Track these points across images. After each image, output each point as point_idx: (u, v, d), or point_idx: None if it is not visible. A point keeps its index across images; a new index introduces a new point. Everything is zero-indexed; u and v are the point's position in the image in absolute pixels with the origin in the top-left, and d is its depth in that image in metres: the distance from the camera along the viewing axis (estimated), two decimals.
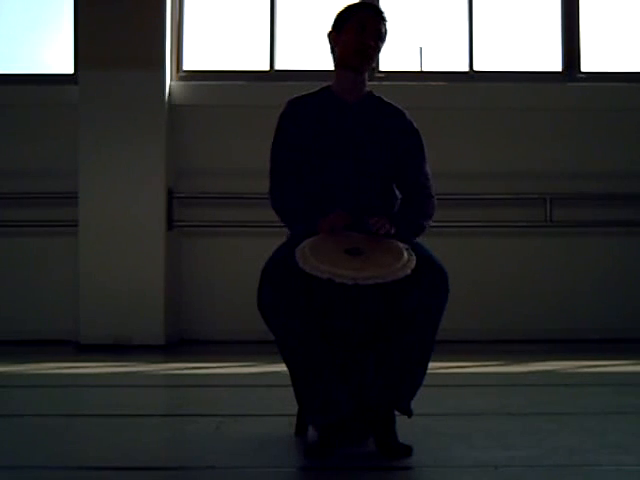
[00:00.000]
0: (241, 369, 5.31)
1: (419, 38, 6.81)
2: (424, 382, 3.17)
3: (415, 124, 3.44)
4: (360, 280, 2.94)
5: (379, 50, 3.37)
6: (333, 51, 3.41)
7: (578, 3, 6.54)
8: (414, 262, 3.02)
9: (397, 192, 3.42)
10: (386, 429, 3.11)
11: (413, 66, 6.78)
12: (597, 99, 6.45)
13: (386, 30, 3.36)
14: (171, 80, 6.37)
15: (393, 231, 3.15)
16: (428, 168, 3.42)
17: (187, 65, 6.53)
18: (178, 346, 6.22)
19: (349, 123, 3.36)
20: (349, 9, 3.39)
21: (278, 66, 6.55)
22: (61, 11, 6.59)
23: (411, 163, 3.39)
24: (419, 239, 3.31)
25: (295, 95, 3.45)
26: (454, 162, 6.22)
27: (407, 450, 3.10)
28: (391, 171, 3.37)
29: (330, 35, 3.40)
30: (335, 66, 3.41)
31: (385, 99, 3.45)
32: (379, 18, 3.36)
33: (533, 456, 3.10)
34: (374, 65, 3.46)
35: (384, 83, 6.20)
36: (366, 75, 3.41)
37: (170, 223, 6.29)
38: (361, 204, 3.27)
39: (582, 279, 6.43)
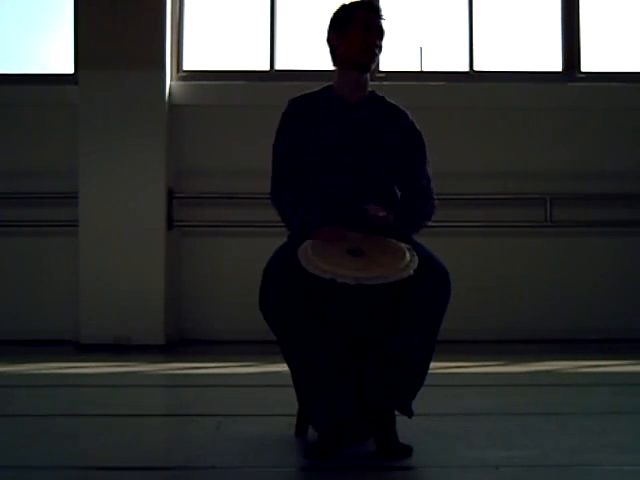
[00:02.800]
0: (241, 369, 5.30)
1: (419, 38, 6.81)
2: (424, 382, 3.17)
3: (417, 125, 3.44)
4: (363, 280, 2.95)
5: (382, 48, 3.37)
6: (333, 52, 3.40)
7: (578, 3, 6.54)
8: (416, 262, 3.03)
9: (397, 192, 3.43)
10: (386, 429, 3.12)
11: (413, 66, 6.78)
12: (597, 99, 6.45)
13: (384, 29, 3.38)
14: (171, 80, 6.37)
15: (391, 218, 3.15)
16: (429, 170, 3.43)
17: (187, 65, 6.53)
18: (178, 346, 6.21)
19: (351, 123, 3.36)
20: (348, 9, 3.38)
21: (278, 66, 6.55)
22: (61, 11, 6.59)
23: (413, 164, 3.39)
24: (420, 239, 3.30)
25: (297, 94, 3.45)
26: (454, 162, 6.21)
27: (407, 450, 3.10)
28: (392, 171, 3.37)
29: (330, 36, 3.39)
30: (337, 66, 3.40)
31: (388, 99, 3.45)
32: (379, 16, 3.37)
33: (533, 456, 3.10)
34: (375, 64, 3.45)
35: (384, 83, 6.19)
36: (368, 76, 3.40)
37: (170, 223, 6.29)
38: (361, 204, 3.26)
39: (582, 279, 6.42)
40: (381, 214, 3.15)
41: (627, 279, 6.42)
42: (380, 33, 3.35)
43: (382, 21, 3.36)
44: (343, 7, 3.41)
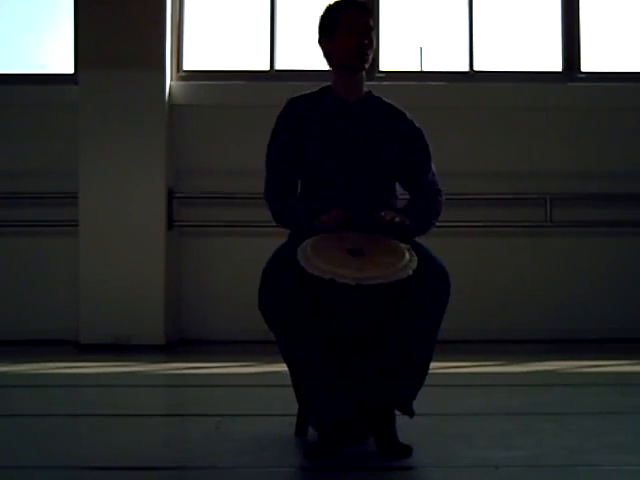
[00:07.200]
0: (241, 369, 5.31)
1: (419, 38, 6.81)
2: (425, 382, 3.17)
3: (416, 123, 3.44)
4: (362, 280, 2.94)
5: (372, 42, 3.33)
6: (327, 56, 3.39)
7: (578, 3, 6.53)
8: (416, 262, 3.03)
9: (397, 192, 3.43)
10: (386, 429, 3.11)
11: (413, 66, 6.77)
12: (597, 99, 6.45)
13: (372, 22, 3.34)
14: (171, 80, 6.37)
15: (407, 222, 3.15)
16: (433, 166, 3.43)
17: (187, 65, 6.52)
18: (178, 346, 6.21)
19: (349, 123, 3.35)
20: (333, 10, 3.34)
21: (278, 66, 6.55)
22: (61, 11, 6.59)
23: (417, 163, 3.39)
24: (420, 239, 3.30)
25: (295, 94, 3.44)
26: (454, 162, 6.19)
27: (407, 450, 3.10)
28: (391, 171, 3.37)
29: (320, 40, 3.38)
30: (332, 68, 3.40)
31: (385, 99, 3.45)
32: (364, 12, 3.32)
33: (533, 456, 3.10)
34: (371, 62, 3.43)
35: (384, 83, 6.20)
36: (364, 73, 3.40)
37: (170, 223, 6.29)
38: (360, 204, 3.26)
39: (582, 279, 6.42)
40: (397, 220, 3.14)
41: (627, 279, 6.42)
42: (367, 29, 3.29)
43: (369, 16, 3.31)
44: (328, 9, 3.37)
